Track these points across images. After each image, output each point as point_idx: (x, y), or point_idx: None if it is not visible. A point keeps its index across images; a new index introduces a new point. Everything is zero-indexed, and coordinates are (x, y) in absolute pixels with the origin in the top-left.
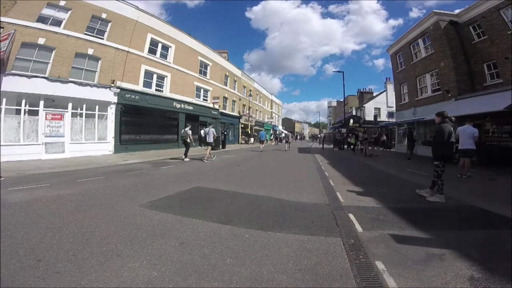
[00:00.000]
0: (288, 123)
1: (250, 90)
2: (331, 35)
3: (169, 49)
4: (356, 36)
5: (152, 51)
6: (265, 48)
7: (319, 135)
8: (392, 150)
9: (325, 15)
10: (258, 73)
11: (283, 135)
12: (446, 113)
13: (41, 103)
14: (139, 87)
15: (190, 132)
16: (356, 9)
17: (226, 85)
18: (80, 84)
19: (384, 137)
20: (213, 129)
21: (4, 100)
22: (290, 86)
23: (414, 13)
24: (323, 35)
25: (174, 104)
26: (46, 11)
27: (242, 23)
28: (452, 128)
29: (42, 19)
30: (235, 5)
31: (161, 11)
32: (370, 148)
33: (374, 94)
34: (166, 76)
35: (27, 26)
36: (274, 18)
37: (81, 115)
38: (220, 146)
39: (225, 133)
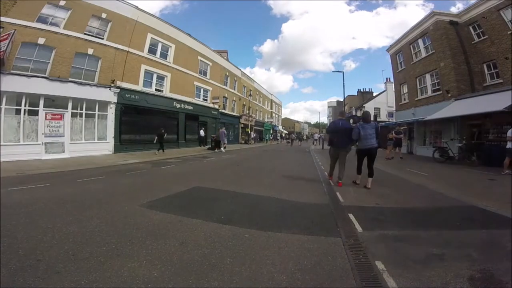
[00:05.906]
0: (288, 123)
1: (250, 90)
2: (361, 28)
3: (169, 49)
4: (388, 30)
5: (152, 51)
6: (280, 40)
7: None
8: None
9: (359, 7)
10: (268, 68)
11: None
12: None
13: (41, 103)
14: (139, 87)
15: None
16: (400, 2)
17: (226, 85)
18: (80, 84)
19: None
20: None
21: (4, 100)
22: (304, 82)
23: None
24: (352, 27)
25: (174, 104)
26: (46, 11)
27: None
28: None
29: (42, 19)
30: None
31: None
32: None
33: (375, 94)
34: (166, 76)
35: (27, 26)
36: (296, 5)
37: (81, 115)
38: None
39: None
